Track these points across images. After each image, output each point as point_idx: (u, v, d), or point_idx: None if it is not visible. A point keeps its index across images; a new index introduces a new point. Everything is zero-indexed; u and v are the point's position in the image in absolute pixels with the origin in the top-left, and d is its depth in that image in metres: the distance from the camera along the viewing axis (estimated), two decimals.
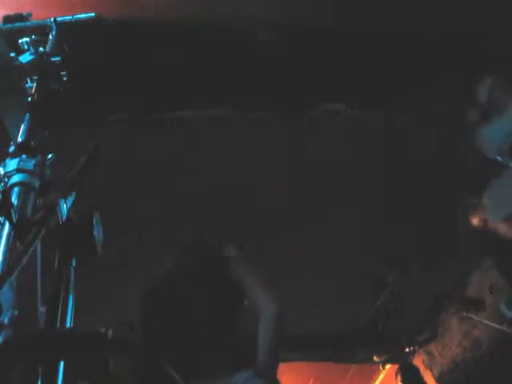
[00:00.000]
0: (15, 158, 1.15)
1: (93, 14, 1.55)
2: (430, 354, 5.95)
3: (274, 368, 2.37)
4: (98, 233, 1.01)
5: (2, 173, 1.13)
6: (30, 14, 1.55)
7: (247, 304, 2.53)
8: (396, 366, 5.86)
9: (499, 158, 1.82)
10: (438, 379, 5.80)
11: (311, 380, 6.40)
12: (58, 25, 1.51)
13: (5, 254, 0.99)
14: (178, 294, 2.55)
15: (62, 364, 0.89)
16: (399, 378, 5.65)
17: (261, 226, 3.95)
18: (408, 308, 5.60)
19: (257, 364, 2.32)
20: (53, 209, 0.98)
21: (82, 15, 1.55)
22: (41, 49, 1.44)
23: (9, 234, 1.02)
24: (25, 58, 1.41)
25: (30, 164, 1.13)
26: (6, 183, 1.11)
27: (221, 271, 2.59)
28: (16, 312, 0.92)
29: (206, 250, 2.78)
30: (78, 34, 1.53)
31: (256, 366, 2.30)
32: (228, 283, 2.55)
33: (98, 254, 0.99)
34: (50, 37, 1.49)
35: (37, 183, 1.12)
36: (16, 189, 1.10)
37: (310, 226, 4.34)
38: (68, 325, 0.92)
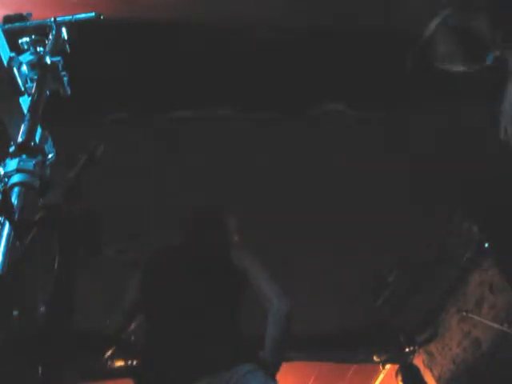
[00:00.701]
0: (15, 157, 1.15)
1: (93, 14, 1.54)
2: (430, 354, 5.95)
3: (278, 365, 2.39)
4: (98, 232, 1.01)
5: (2, 173, 1.13)
6: (29, 14, 1.54)
7: (250, 290, 2.53)
8: (396, 366, 5.87)
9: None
10: (438, 379, 5.80)
11: (311, 380, 6.39)
12: (58, 25, 1.51)
13: (5, 254, 0.99)
14: (176, 280, 2.55)
15: (62, 364, 0.89)
16: (399, 377, 5.65)
17: (260, 226, 3.95)
18: (408, 308, 5.60)
19: (261, 360, 2.33)
20: (53, 209, 0.98)
21: (82, 15, 1.54)
22: (41, 49, 1.44)
23: (9, 234, 1.02)
24: (25, 58, 1.41)
25: (30, 164, 1.13)
26: (5, 183, 1.11)
27: (223, 256, 2.59)
28: (16, 312, 0.92)
29: (209, 233, 2.77)
30: (78, 33, 1.53)
31: (260, 362, 2.31)
32: (230, 269, 2.55)
33: (99, 254, 0.99)
34: (50, 37, 1.49)
35: (37, 183, 1.11)
36: (16, 189, 1.09)
37: (310, 226, 4.34)
38: (68, 325, 0.92)
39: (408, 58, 1.98)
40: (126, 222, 3.77)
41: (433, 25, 1.88)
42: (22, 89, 1.38)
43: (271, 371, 2.33)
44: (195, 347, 2.30)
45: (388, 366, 6.23)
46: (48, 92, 1.37)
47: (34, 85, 1.36)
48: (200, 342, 2.32)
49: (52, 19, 1.52)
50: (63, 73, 1.42)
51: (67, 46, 1.52)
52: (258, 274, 2.50)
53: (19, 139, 1.19)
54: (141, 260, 2.81)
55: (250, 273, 2.51)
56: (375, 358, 6.02)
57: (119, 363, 5.02)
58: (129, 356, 4.76)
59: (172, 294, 2.53)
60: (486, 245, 4.79)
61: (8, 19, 1.52)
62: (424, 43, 1.92)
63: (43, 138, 1.26)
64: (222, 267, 2.56)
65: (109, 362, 4.96)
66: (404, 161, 4.02)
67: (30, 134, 1.21)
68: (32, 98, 1.32)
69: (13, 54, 1.41)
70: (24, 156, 1.14)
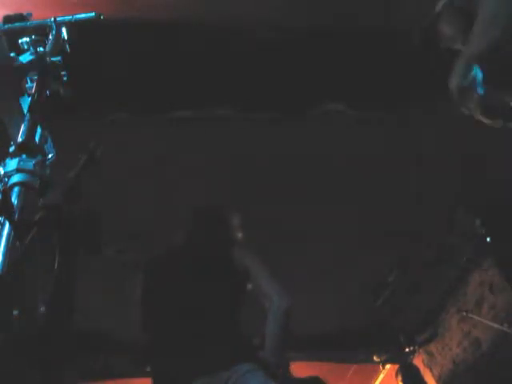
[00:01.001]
0: (15, 157, 1.15)
1: (93, 14, 1.54)
2: (429, 353, 5.95)
3: (279, 365, 2.38)
4: (98, 232, 1.01)
5: (2, 173, 1.13)
6: (30, 14, 1.54)
7: (250, 290, 2.53)
8: (396, 366, 5.86)
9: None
10: (438, 379, 5.80)
11: None
12: (58, 25, 1.51)
13: (5, 254, 0.99)
14: (177, 280, 2.54)
15: (62, 364, 0.89)
16: (399, 378, 5.65)
17: (260, 226, 3.95)
18: (408, 308, 5.60)
19: (262, 359, 2.32)
20: (53, 209, 0.98)
21: (82, 15, 1.54)
22: (41, 49, 1.44)
23: (9, 234, 1.02)
24: (25, 58, 1.41)
25: (30, 164, 1.13)
26: (5, 183, 1.11)
27: (224, 256, 2.59)
28: (16, 312, 0.92)
29: (209, 232, 2.77)
30: (78, 34, 1.53)
31: (260, 361, 2.31)
32: (230, 269, 2.54)
33: (99, 254, 0.99)
34: (50, 37, 1.49)
35: (37, 183, 1.11)
36: (16, 189, 1.09)
37: (311, 226, 4.34)
38: (68, 325, 0.92)
39: (415, 35, 2.00)
40: (126, 222, 3.77)
41: (440, 4, 1.89)
42: (22, 89, 1.38)
43: (272, 371, 2.32)
44: (195, 347, 2.30)
45: (388, 366, 6.23)
46: (48, 92, 1.37)
47: (34, 85, 1.36)
48: (200, 341, 2.31)
49: (52, 19, 1.52)
50: (63, 73, 1.42)
51: (67, 45, 1.52)
52: (258, 272, 2.50)
53: (19, 139, 1.19)
54: (141, 260, 2.81)
55: (251, 271, 2.51)
56: (375, 358, 6.02)
57: (120, 363, 5.02)
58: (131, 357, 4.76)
59: (172, 294, 2.53)
60: (488, 239, 4.78)
61: (8, 19, 1.52)
62: (430, 21, 1.93)
63: (43, 138, 1.26)
64: (223, 267, 2.56)
65: (109, 362, 4.97)
66: (404, 161, 4.02)
67: (30, 134, 1.21)
68: (32, 98, 1.32)
69: (13, 54, 1.41)
70: (24, 156, 1.15)
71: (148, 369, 2.47)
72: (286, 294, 2.44)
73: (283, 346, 2.43)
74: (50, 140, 1.28)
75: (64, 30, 1.52)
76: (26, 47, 1.45)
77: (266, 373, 2.27)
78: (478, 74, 1.58)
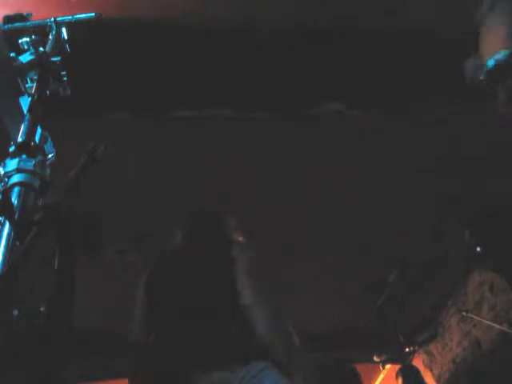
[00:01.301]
0: (15, 158, 1.14)
1: (93, 14, 1.54)
2: (429, 354, 5.95)
3: (291, 363, 2.38)
4: (98, 232, 1.01)
5: (2, 173, 1.13)
6: (30, 14, 1.54)
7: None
8: (396, 366, 5.86)
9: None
10: (438, 379, 5.80)
11: None
12: (58, 25, 1.51)
13: (5, 254, 0.99)
14: (179, 278, 2.55)
15: (62, 364, 0.89)
16: (400, 380, 5.64)
17: (261, 226, 3.95)
18: (408, 308, 5.60)
19: (275, 355, 2.33)
20: (53, 209, 0.98)
21: (82, 15, 1.54)
22: (41, 49, 1.44)
23: (9, 234, 1.02)
24: (25, 57, 1.41)
25: (29, 164, 1.13)
26: (6, 183, 1.11)
27: (225, 256, 2.59)
28: (16, 312, 0.92)
29: (209, 233, 2.77)
30: (78, 33, 1.53)
31: (274, 359, 2.31)
32: (232, 267, 2.54)
33: (99, 254, 0.99)
34: (50, 37, 1.49)
35: (37, 183, 1.11)
36: (16, 189, 1.09)
37: (311, 226, 4.34)
38: (68, 325, 0.92)
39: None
40: (126, 222, 3.77)
41: (482, 11, 1.89)
42: (22, 89, 1.38)
43: (285, 368, 2.32)
44: (208, 345, 2.30)
45: (388, 366, 6.23)
46: (48, 92, 1.37)
47: (34, 85, 1.36)
48: (213, 340, 2.31)
49: (52, 19, 1.52)
50: (63, 73, 1.42)
51: (67, 45, 1.52)
52: (241, 276, 2.50)
53: (19, 139, 1.19)
54: (141, 260, 2.81)
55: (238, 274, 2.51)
56: (375, 358, 6.02)
57: (120, 363, 5.02)
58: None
59: (173, 294, 2.53)
60: (478, 249, 4.79)
61: (8, 19, 1.51)
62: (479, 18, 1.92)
63: (43, 138, 1.26)
64: (223, 267, 2.56)
65: (109, 362, 4.97)
66: (404, 161, 4.02)
67: (30, 133, 1.21)
68: (32, 98, 1.32)
69: (13, 54, 1.41)
70: (24, 156, 1.14)
71: (150, 369, 2.46)
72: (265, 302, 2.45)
73: (292, 344, 2.43)
74: (50, 140, 1.28)
75: (64, 30, 1.52)
76: (26, 47, 1.44)
77: (279, 371, 2.27)
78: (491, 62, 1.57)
